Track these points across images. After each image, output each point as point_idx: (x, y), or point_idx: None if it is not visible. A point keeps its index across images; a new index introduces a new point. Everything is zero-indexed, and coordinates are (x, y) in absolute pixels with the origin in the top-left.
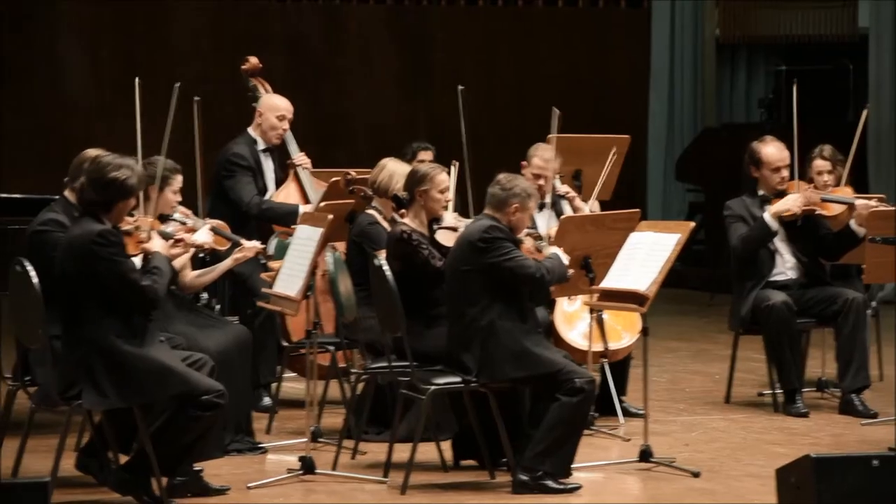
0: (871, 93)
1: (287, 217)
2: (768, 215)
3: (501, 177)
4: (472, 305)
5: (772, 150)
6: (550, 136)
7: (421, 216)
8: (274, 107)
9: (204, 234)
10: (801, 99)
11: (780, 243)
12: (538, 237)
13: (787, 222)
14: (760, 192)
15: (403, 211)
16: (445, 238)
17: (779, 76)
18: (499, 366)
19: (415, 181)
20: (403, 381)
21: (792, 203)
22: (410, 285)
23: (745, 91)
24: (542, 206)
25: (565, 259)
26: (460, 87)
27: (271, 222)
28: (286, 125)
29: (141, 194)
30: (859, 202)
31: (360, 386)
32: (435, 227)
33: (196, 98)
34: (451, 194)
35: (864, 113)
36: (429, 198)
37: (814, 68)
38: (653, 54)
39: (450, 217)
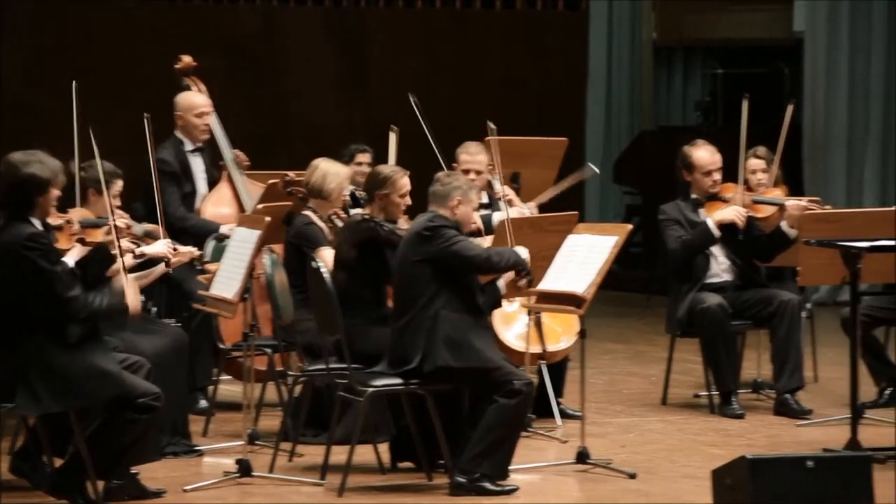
0: (807, 96)
1: (206, 236)
2: (711, 222)
3: (440, 174)
4: (419, 296)
5: (703, 154)
6: (488, 137)
7: (377, 218)
8: (191, 105)
9: (160, 247)
10: (737, 102)
11: (714, 246)
12: (525, 274)
13: (723, 225)
14: (693, 196)
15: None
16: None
17: (715, 79)
18: (439, 352)
19: (376, 183)
20: (341, 384)
21: (734, 215)
22: (363, 276)
23: (681, 94)
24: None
25: (525, 252)
26: (412, 97)
27: (192, 237)
28: (208, 120)
29: (79, 197)
30: (790, 203)
31: (298, 388)
32: (388, 227)
33: (146, 115)
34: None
35: (789, 108)
36: (389, 201)
37: (750, 71)
38: (590, 57)
39: (403, 224)
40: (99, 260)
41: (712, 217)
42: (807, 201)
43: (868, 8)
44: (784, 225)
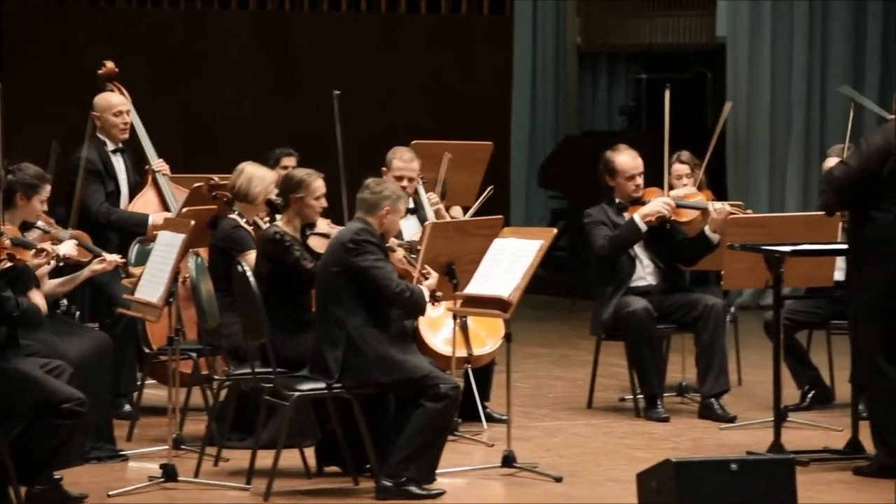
0: (730, 100)
1: (136, 227)
2: (638, 216)
3: (370, 181)
4: (338, 306)
5: (625, 159)
6: (414, 141)
7: (294, 222)
8: (108, 105)
9: (68, 247)
10: (661, 106)
11: (638, 249)
12: (410, 249)
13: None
14: (617, 200)
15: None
16: (317, 244)
17: (639, 84)
18: (363, 370)
19: (290, 187)
20: (267, 388)
21: (661, 206)
22: (279, 288)
23: (606, 99)
24: (407, 212)
25: (427, 293)
26: (336, 92)
27: (120, 231)
28: (126, 119)
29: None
30: (713, 207)
31: (223, 392)
32: (308, 232)
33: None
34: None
35: (728, 106)
36: (304, 204)
37: (673, 76)
38: (515, 61)
39: (323, 224)
40: (24, 281)
41: (639, 212)
42: (730, 206)
43: (790, 11)
44: (707, 229)
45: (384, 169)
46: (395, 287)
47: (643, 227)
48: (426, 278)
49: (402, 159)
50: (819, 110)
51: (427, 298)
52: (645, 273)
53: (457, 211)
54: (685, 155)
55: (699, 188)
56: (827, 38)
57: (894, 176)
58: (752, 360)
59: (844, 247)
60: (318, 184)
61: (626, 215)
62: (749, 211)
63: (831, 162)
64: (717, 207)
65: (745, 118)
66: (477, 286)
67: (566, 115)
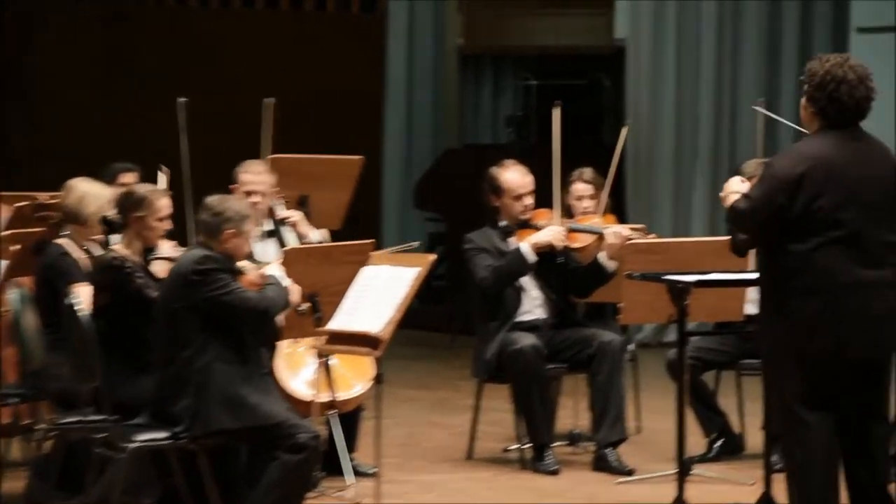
0: (629, 111)
1: None
2: (526, 246)
3: (210, 200)
4: (185, 347)
5: (512, 176)
6: (271, 156)
7: (135, 244)
8: None
9: None
10: (551, 117)
11: (525, 279)
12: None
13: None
14: (502, 223)
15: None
16: (161, 269)
17: (528, 91)
18: (212, 414)
19: (130, 204)
20: (99, 438)
21: (552, 236)
22: (119, 323)
23: (491, 107)
24: (262, 235)
25: (285, 279)
26: (180, 100)
27: None
28: None
29: None
30: (609, 231)
31: (48, 444)
32: (150, 256)
33: None
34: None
35: (624, 130)
36: (144, 225)
37: (566, 83)
38: (388, 65)
39: (166, 247)
40: None
41: (527, 240)
42: (629, 230)
43: (696, 13)
44: (602, 257)
45: (233, 186)
46: (254, 301)
47: (531, 259)
48: None
49: (252, 171)
50: (729, 123)
51: (288, 284)
52: (533, 306)
53: (321, 234)
54: (588, 173)
55: (604, 212)
56: (738, 41)
57: (810, 209)
58: (652, 405)
59: (756, 277)
60: (163, 202)
61: (513, 240)
62: (651, 236)
63: (735, 184)
64: (615, 231)
65: (646, 131)
66: (343, 320)
67: (446, 126)
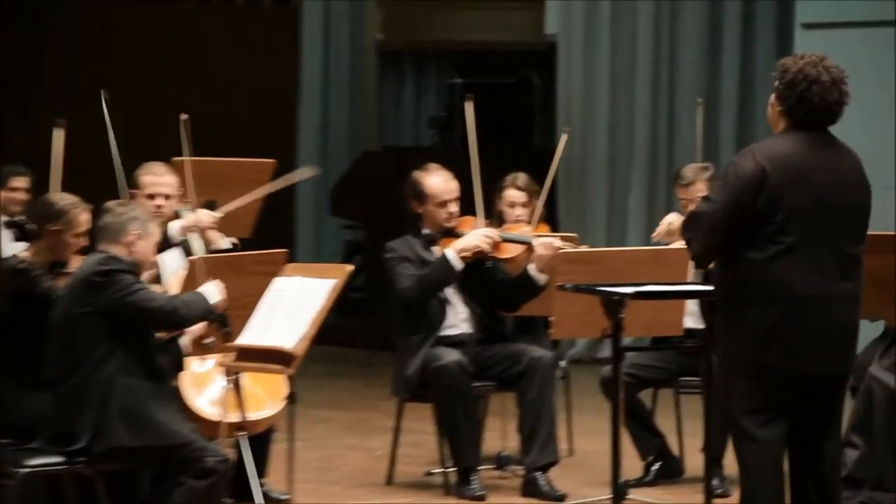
0: (561, 112)
1: None
2: (452, 252)
3: (111, 203)
4: (87, 356)
5: (436, 181)
6: (175, 158)
7: (43, 255)
8: None
9: None
10: (479, 118)
11: (450, 291)
12: (221, 324)
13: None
14: (426, 231)
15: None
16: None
17: (452, 90)
18: (113, 430)
19: (48, 216)
20: None
21: (479, 239)
22: (12, 337)
23: (412, 107)
24: (167, 245)
25: (216, 294)
26: (104, 92)
27: None
28: None
29: None
30: (538, 241)
31: None
32: (59, 269)
33: None
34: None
35: (564, 137)
36: (60, 240)
37: (494, 81)
38: (303, 61)
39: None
40: None
41: (453, 246)
42: (560, 239)
43: (632, 7)
44: (532, 268)
45: (133, 191)
46: (168, 305)
47: (458, 266)
48: None
49: (154, 173)
50: (667, 125)
51: (218, 300)
52: (458, 320)
53: (230, 242)
54: (522, 179)
55: (538, 221)
56: (677, 38)
57: (771, 209)
58: (585, 426)
59: (699, 288)
60: (83, 218)
61: (437, 250)
62: (585, 246)
63: (699, 188)
64: (545, 241)
65: (579, 134)
66: (254, 335)
67: (364, 127)
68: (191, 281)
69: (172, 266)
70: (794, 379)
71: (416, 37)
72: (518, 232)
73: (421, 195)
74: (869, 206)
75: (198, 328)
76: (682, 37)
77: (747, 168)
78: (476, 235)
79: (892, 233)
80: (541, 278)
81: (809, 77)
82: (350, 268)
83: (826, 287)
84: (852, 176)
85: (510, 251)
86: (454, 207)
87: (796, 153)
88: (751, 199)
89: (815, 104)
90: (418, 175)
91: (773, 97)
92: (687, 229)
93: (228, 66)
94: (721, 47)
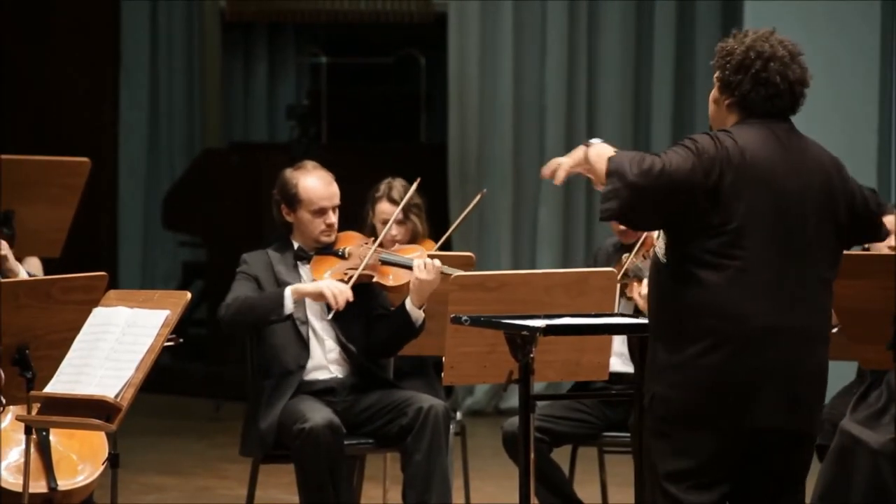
0: (453, 100)
1: None
2: (289, 291)
3: None
4: None
5: (314, 184)
6: None
7: None
8: None
9: None
10: (348, 107)
11: (317, 323)
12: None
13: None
14: (297, 245)
15: None
16: None
17: (317, 72)
18: None
19: None
20: None
21: (326, 291)
22: None
23: (266, 93)
24: None
25: None
26: None
27: None
28: None
29: None
30: (417, 263)
31: None
32: None
33: None
34: None
35: (479, 196)
36: None
37: (368, 61)
38: (124, 36)
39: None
40: None
41: (294, 288)
42: (439, 263)
43: None
44: (409, 301)
45: None
46: None
47: (289, 308)
48: None
49: None
50: (586, 116)
51: None
52: (328, 361)
53: (33, 264)
54: (397, 188)
55: (419, 238)
56: (597, 8)
57: (724, 213)
58: (486, 492)
59: (630, 321)
60: None
61: (305, 270)
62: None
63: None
64: (426, 264)
65: (475, 129)
66: (66, 382)
67: (205, 120)
68: None
69: None
70: (744, 433)
71: (269, 7)
72: (405, 255)
73: (293, 200)
74: (848, 223)
75: None
76: (604, 6)
77: (707, 146)
78: (323, 286)
79: (867, 252)
80: (416, 316)
81: (763, 54)
82: (188, 295)
83: (789, 320)
84: (820, 178)
85: (396, 277)
86: (333, 218)
87: (759, 147)
88: (703, 178)
89: (776, 84)
90: (291, 174)
91: (714, 92)
92: (612, 176)
93: (29, 44)
94: (652, 14)
